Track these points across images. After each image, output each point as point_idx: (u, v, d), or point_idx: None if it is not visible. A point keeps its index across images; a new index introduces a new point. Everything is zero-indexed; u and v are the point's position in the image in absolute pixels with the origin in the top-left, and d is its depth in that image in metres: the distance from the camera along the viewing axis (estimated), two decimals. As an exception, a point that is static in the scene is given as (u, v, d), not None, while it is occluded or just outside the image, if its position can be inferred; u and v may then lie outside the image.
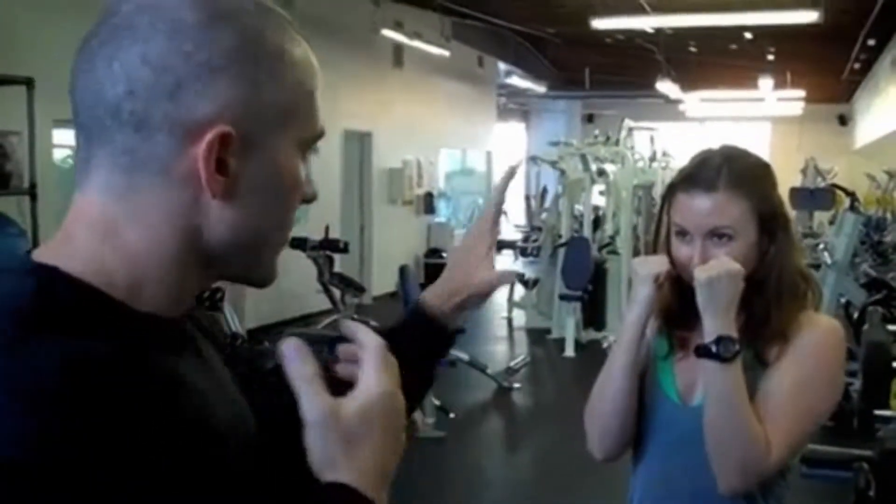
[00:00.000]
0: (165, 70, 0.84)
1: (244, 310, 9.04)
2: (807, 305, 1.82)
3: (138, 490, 0.77)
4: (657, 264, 1.82)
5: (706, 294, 1.71)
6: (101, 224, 0.87)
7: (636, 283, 1.83)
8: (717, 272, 1.70)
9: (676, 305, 1.84)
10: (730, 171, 1.76)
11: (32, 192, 5.82)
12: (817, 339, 1.79)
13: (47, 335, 0.78)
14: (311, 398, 0.86)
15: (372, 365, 0.89)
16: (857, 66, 16.13)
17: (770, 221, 1.79)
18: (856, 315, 8.14)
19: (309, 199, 0.98)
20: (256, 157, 0.89)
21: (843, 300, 8.14)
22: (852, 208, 7.38)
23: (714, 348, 1.70)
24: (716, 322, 1.71)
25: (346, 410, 0.86)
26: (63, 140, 7.31)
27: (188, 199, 0.87)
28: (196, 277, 0.92)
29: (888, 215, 14.59)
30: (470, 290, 1.30)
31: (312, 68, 0.95)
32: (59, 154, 7.64)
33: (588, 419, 1.90)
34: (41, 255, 0.88)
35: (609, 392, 1.85)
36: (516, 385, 8.36)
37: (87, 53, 0.86)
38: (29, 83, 5.68)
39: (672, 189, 1.85)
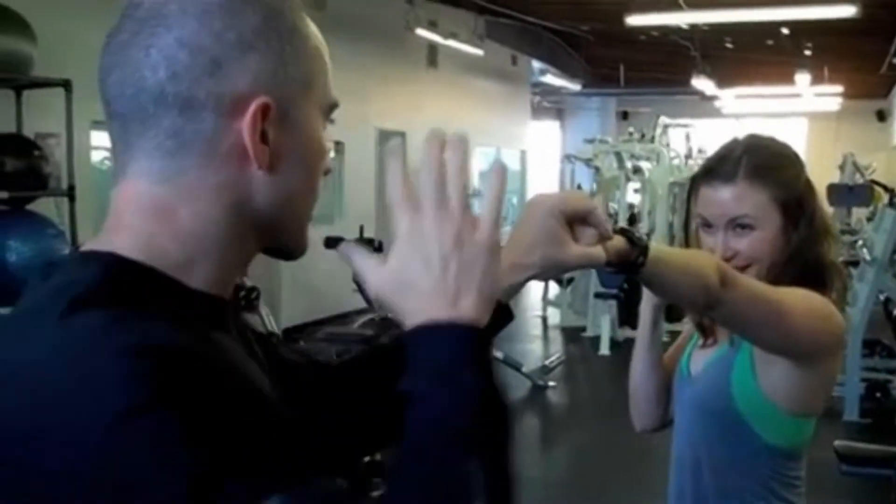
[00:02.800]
0: (202, 50, 0.88)
1: (280, 309, 9.09)
2: (831, 298, 1.73)
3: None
4: None
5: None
6: (152, 207, 0.90)
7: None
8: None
9: None
10: (749, 161, 1.77)
11: (71, 194, 5.87)
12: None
13: (129, 319, 0.81)
14: (366, 273, 0.88)
15: (403, 225, 0.88)
16: (895, 60, 15.94)
17: (794, 210, 1.77)
18: (895, 312, 8.05)
19: (326, 172, 1.01)
20: (290, 125, 0.93)
21: (882, 297, 8.04)
22: (891, 204, 7.27)
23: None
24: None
25: (393, 268, 0.86)
26: (101, 142, 7.38)
27: (234, 174, 0.91)
28: (244, 252, 0.97)
29: (928, 211, 14.38)
30: (527, 271, 1.15)
31: (321, 42, 1.00)
32: (97, 156, 7.72)
33: (629, 395, 2.12)
34: (92, 247, 0.91)
35: (633, 372, 2.09)
36: (551, 383, 8.34)
37: (118, 47, 0.90)
38: (67, 85, 5.73)
39: (695, 181, 1.88)
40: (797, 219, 1.77)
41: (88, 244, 0.92)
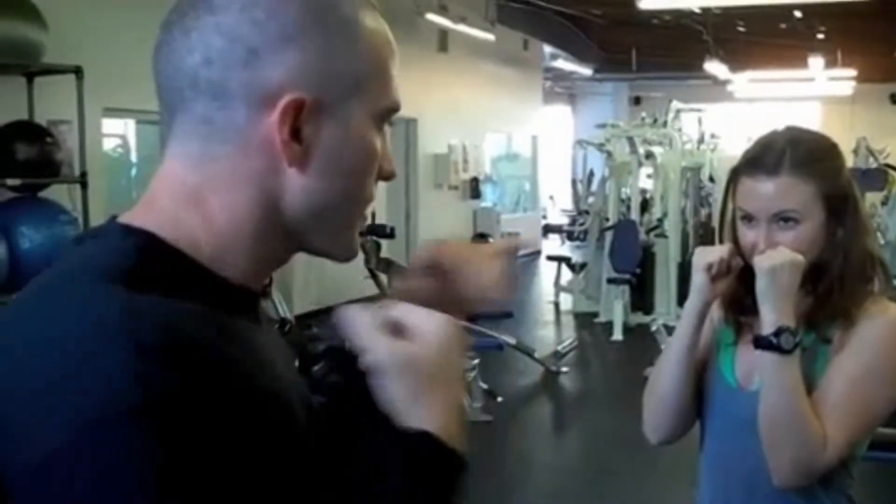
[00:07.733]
0: (238, 39, 0.86)
1: (292, 296, 9.11)
2: (874, 291, 1.76)
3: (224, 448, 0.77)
4: (713, 253, 1.79)
5: (766, 283, 1.68)
6: (184, 192, 0.89)
7: (693, 272, 1.81)
8: (779, 261, 1.67)
9: (742, 291, 1.79)
10: (793, 153, 1.73)
11: (83, 181, 5.89)
12: (883, 330, 1.74)
13: (155, 296, 0.80)
14: (379, 344, 0.88)
15: (418, 311, 0.92)
16: (909, 43, 15.84)
17: (837, 203, 1.74)
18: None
19: (387, 177, 0.96)
20: (330, 124, 0.89)
21: (895, 281, 8.03)
22: (905, 188, 7.26)
23: (774, 340, 1.67)
24: (775, 312, 1.68)
25: (421, 350, 0.89)
26: (113, 129, 7.39)
27: (265, 168, 0.88)
28: (276, 249, 0.93)
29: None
30: None
31: (387, 39, 0.95)
32: (109, 143, 7.73)
33: (645, 403, 1.92)
34: (129, 220, 0.89)
35: (663, 378, 1.86)
36: (564, 369, 8.34)
37: (168, 27, 0.89)
38: (78, 72, 5.73)
39: (736, 173, 1.81)
40: (840, 212, 1.74)
41: (125, 216, 0.90)
